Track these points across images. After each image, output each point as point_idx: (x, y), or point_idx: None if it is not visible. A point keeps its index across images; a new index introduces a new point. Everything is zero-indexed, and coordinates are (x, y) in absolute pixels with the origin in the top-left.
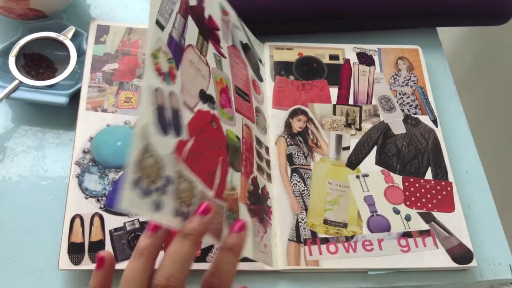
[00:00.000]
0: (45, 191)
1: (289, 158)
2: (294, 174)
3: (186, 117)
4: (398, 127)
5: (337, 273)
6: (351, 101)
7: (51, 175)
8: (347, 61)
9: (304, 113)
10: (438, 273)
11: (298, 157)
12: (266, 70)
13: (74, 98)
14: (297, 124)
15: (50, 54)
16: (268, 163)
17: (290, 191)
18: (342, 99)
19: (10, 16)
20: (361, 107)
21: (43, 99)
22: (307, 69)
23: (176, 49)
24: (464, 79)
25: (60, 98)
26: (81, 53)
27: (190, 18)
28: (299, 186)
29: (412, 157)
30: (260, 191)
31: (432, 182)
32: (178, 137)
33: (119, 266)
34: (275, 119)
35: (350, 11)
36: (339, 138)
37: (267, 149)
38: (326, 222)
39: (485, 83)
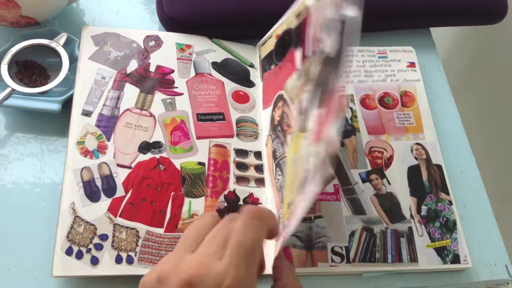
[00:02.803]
0: (39, 198)
1: (274, 154)
2: (277, 168)
3: (122, 176)
4: None
5: (332, 276)
6: None
7: (45, 182)
8: None
9: (282, 98)
10: (434, 274)
11: (279, 149)
12: (258, 73)
13: (67, 104)
14: (277, 114)
15: (42, 61)
16: (258, 168)
17: (275, 188)
18: None
19: (2, 24)
20: None
21: (36, 106)
22: (284, 48)
23: (108, 122)
24: (458, 79)
25: (53, 105)
26: (73, 60)
27: (127, 85)
28: (280, 180)
29: None
30: (242, 201)
31: None
32: (111, 197)
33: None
34: (266, 120)
35: None
36: (300, 104)
37: (257, 154)
38: (290, 206)
39: (480, 83)
